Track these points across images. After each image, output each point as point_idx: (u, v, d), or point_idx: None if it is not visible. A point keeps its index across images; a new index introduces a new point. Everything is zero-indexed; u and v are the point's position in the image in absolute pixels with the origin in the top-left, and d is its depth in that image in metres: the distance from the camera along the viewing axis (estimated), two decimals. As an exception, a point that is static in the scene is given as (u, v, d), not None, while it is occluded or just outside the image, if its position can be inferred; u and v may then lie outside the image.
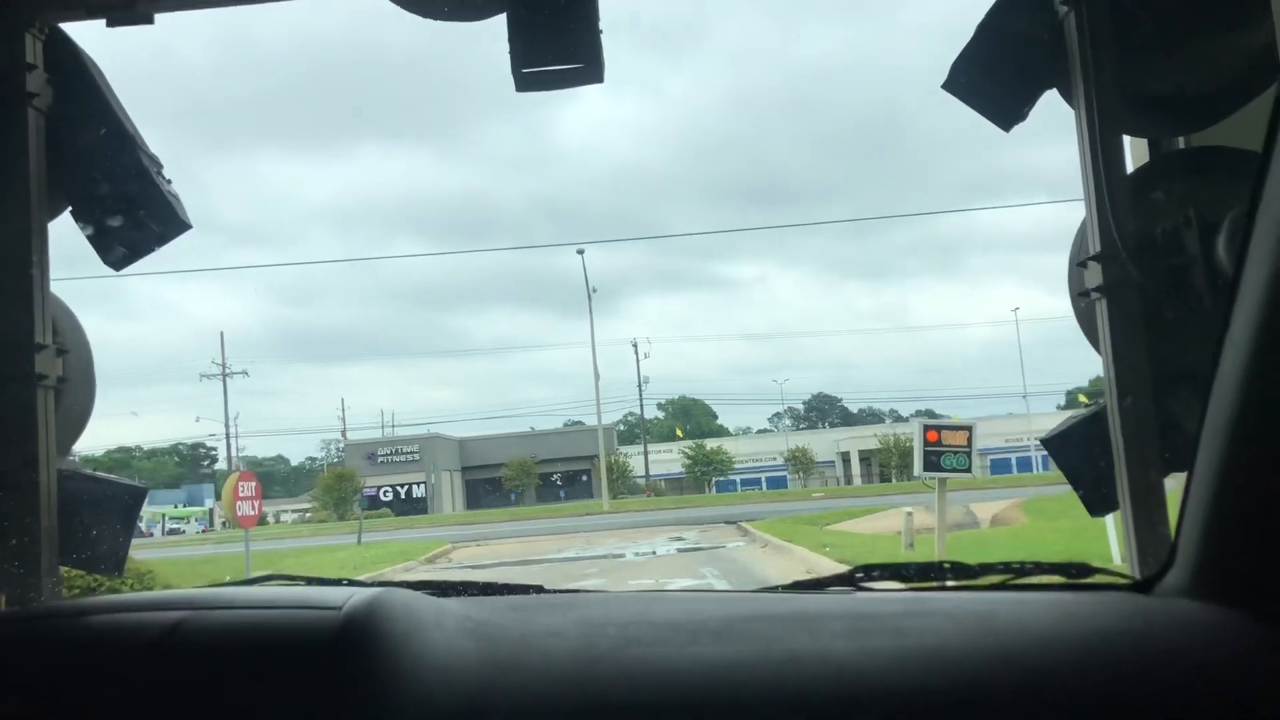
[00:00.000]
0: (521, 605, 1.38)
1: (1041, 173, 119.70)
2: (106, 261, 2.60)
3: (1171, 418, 2.50)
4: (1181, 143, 2.99)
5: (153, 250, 2.67)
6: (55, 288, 2.34)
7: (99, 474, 2.53)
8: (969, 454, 7.91)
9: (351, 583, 1.47)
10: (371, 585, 1.37)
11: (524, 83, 2.76)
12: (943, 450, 7.90)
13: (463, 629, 1.23)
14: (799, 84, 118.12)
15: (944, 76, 2.76)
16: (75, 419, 2.46)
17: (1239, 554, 1.14)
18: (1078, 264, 2.89)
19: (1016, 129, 2.81)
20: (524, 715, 1.09)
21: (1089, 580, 1.40)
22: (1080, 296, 2.87)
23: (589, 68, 2.69)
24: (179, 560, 24.16)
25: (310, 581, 1.60)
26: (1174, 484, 2.25)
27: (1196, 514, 1.18)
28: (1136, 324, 2.60)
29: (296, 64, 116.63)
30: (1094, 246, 2.65)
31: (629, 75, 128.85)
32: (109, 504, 2.44)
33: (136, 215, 2.62)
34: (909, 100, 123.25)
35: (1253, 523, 1.11)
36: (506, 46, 2.60)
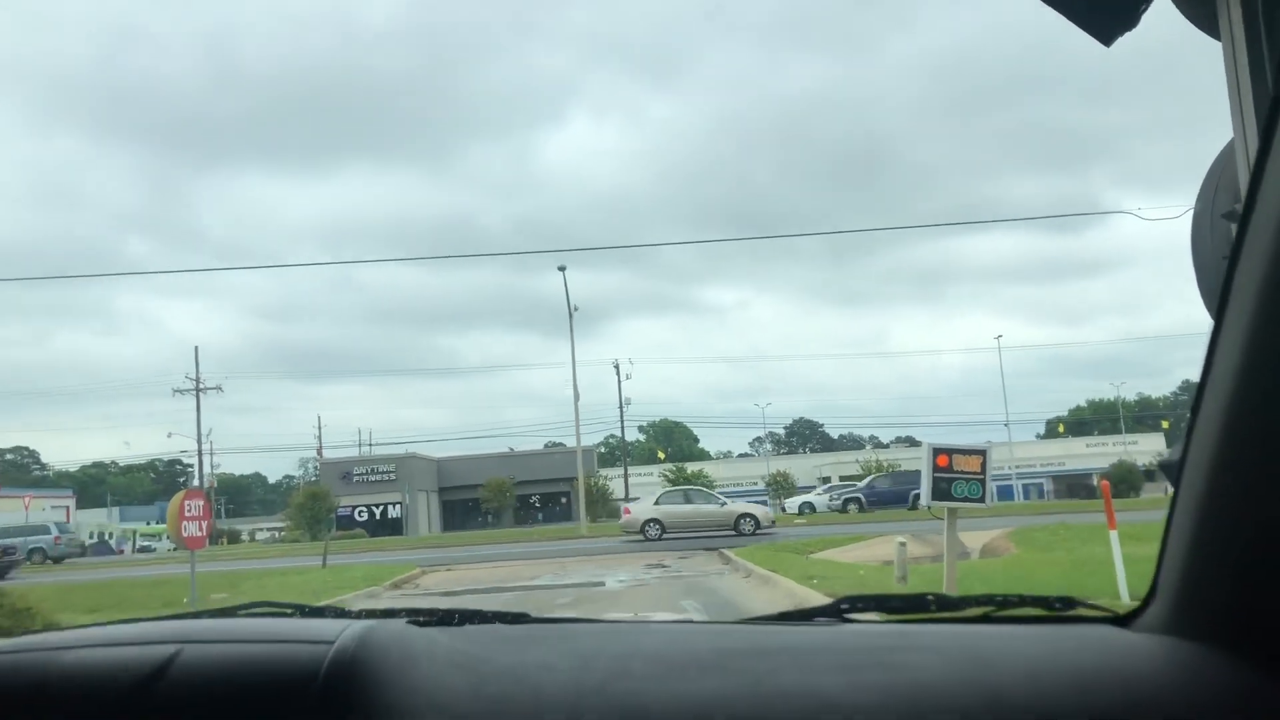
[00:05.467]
0: (511, 636, 1.35)
1: (1022, 201, 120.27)
2: None
3: None
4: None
5: None
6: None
7: None
8: (983, 481, 7.12)
9: (339, 613, 1.46)
10: (361, 615, 1.39)
11: None
12: (954, 477, 7.11)
13: (453, 662, 1.22)
14: (783, 113, 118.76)
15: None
16: None
17: (1220, 590, 1.10)
18: (1222, 215, 2.10)
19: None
20: None
21: (1071, 613, 1.38)
22: (1223, 260, 2.08)
23: None
24: (123, 582, 23.19)
25: (297, 610, 1.55)
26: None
27: (1178, 546, 1.15)
28: None
29: (285, 84, 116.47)
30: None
31: (615, 101, 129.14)
32: None
33: None
34: (891, 131, 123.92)
35: (1233, 558, 1.06)
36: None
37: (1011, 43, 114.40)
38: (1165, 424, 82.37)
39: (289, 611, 1.55)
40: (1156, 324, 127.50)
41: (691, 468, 73.37)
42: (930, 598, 1.45)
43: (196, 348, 67.62)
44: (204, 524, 12.60)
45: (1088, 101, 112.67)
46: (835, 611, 1.44)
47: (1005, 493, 66.53)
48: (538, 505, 70.46)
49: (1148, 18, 2.28)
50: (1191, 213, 2.46)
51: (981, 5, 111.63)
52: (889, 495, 46.86)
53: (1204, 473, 1.06)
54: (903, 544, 13.51)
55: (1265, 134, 0.89)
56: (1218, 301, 0.99)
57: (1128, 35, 2.32)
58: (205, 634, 1.24)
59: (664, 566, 21.07)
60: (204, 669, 1.15)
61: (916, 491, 45.86)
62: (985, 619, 1.42)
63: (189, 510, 12.33)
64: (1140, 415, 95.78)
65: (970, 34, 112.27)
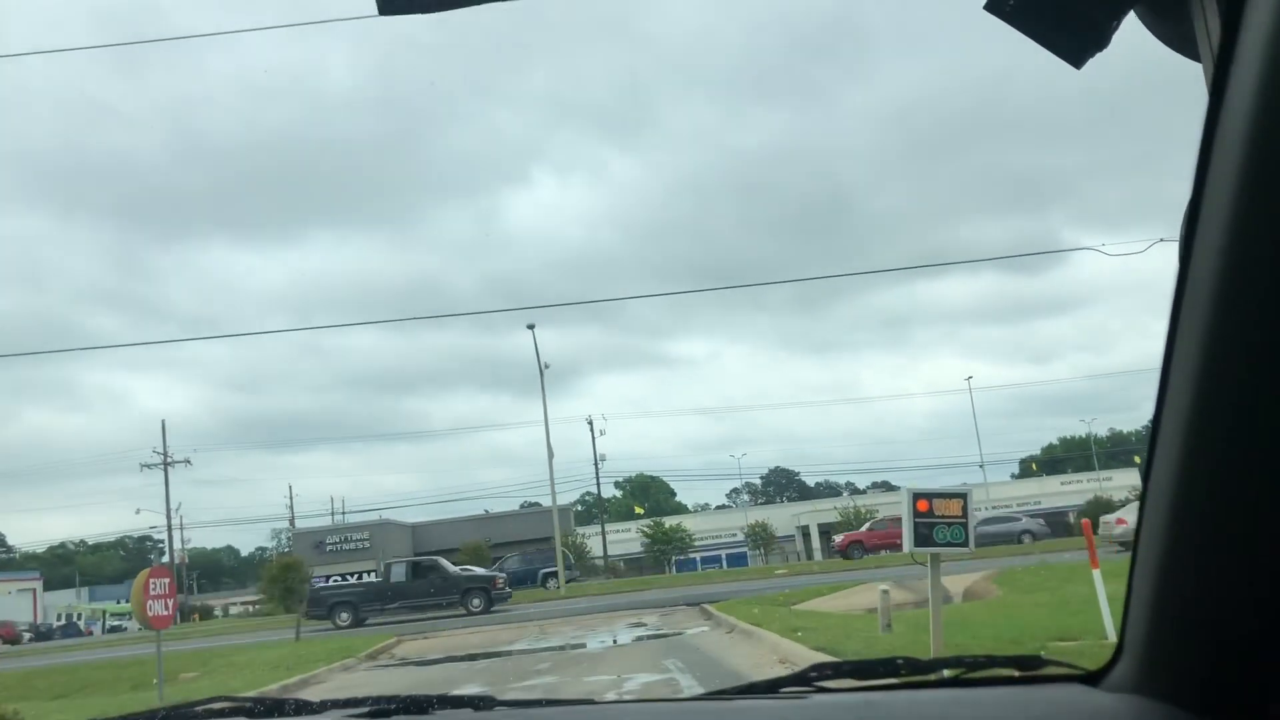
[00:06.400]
0: None
1: (983, 244, 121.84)
2: None
3: None
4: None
5: None
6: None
7: None
8: (965, 525, 6.99)
9: (299, 708, 1.46)
10: (325, 708, 1.42)
11: (389, 5, 2.05)
12: (935, 521, 6.98)
13: None
14: (745, 166, 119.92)
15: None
16: None
17: (1183, 650, 1.07)
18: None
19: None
20: None
21: (1041, 673, 1.37)
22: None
23: None
24: (90, 665, 22.54)
25: (256, 705, 1.49)
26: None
27: (1140, 604, 1.12)
28: None
29: (249, 155, 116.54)
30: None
31: (579, 161, 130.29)
32: None
33: None
34: (852, 180, 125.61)
35: (1194, 618, 1.03)
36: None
37: (966, 89, 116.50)
38: (1138, 459, 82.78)
39: (247, 705, 1.49)
40: (1121, 359, 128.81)
41: (669, 522, 72.85)
42: (900, 661, 1.42)
43: (164, 421, 66.82)
44: (170, 602, 12.21)
45: (1042, 144, 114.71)
46: (804, 680, 1.42)
47: (984, 535, 66.54)
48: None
49: (1118, 40, 2.20)
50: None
51: (935, 53, 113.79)
52: (519, 575, 46.35)
53: (1160, 532, 1.04)
54: (885, 592, 13.38)
55: (1204, 148, 0.87)
56: (1165, 344, 0.96)
57: (1098, 57, 2.24)
58: None
59: (644, 625, 20.76)
60: None
61: (545, 570, 45.96)
62: (956, 681, 1.40)
63: (154, 589, 11.95)
64: (1113, 451, 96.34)
65: (925, 82, 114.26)
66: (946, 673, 1.43)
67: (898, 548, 48.00)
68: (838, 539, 50.67)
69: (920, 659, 1.44)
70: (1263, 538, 0.91)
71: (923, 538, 7.10)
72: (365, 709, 1.39)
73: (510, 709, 1.43)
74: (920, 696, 1.34)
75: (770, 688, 1.43)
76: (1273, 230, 0.81)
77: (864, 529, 50.57)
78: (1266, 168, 0.80)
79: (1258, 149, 0.80)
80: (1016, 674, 1.39)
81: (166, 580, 12.38)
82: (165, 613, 12.18)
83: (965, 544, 7.14)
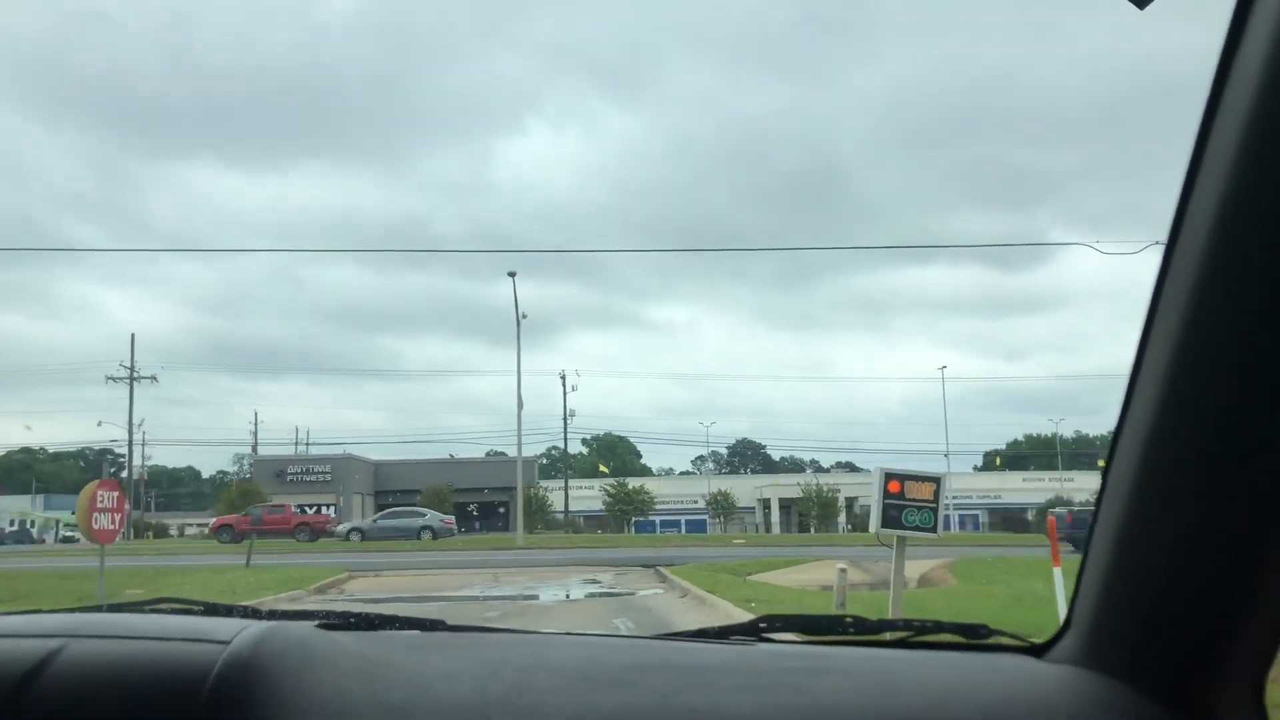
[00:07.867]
0: (420, 644, 1.34)
1: (969, 237, 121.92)
2: None
3: None
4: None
5: None
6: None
7: None
8: (935, 510, 6.82)
9: (246, 612, 1.43)
10: (273, 616, 1.38)
11: None
12: (905, 504, 6.80)
13: (356, 669, 1.19)
14: (741, 135, 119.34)
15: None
16: None
17: (1127, 626, 1.14)
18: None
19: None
20: None
21: (988, 641, 1.41)
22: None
23: None
24: (36, 573, 22.31)
25: (204, 609, 1.47)
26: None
27: (1091, 581, 1.18)
28: None
29: (243, 77, 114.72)
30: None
31: (574, 113, 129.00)
32: None
33: None
34: (847, 160, 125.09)
35: (1142, 595, 1.10)
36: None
37: (969, 81, 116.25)
38: (1101, 463, 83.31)
39: (196, 609, 1.48)
40: (1094, 363, 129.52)
41: (633, 483, 72.92)
42: (849, 620, 1.44)
43: (133, 335, 66.14)
44: (117, 517, 11.94)
45: (1038, 142, 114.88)
46: (753, 630, 1.44)
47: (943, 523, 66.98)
48: (475, 514, 69.60)
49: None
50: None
51: (943, 43, 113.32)
52: None
53: (1114, 521, 1.09)
54: (843, 570, 13.26)
55: (1196, 152, 0.88)
56: (1138, 342, 1.00)
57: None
58: (96, 629, 1.19)
59: (599, 582, 20.68)
60: (87, 666, 1.10)
61: None
62: (902, 644, 1.42)
63: (101, 501, 11.66)
64: (1077, 452, 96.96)
65: (930, 70, 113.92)
66: (893, 635, 1.45)
67: (282, 534, 45.99)
68: (211, 523, 48.06)
69: (869, 620, 1.45)
70: (1205, 534, 0.97)
71: (891, 519, 6.91)
72: (315, 621, 1.37)
73: (456, 632, 1.45)
74: (865, 654, 1.36)
75: (720, 634, 1.45)
76: (1254, 243, 0.82)
77: (238, 515, 48.75)
78: (1255, 178, 0.81)
79: (1248, 159, 0.81)
80: (963, 641, 1.41)
81: (115, 494, 12.08)
82: (111, 527, 11.90)
83: (934, 529, 6.97)
